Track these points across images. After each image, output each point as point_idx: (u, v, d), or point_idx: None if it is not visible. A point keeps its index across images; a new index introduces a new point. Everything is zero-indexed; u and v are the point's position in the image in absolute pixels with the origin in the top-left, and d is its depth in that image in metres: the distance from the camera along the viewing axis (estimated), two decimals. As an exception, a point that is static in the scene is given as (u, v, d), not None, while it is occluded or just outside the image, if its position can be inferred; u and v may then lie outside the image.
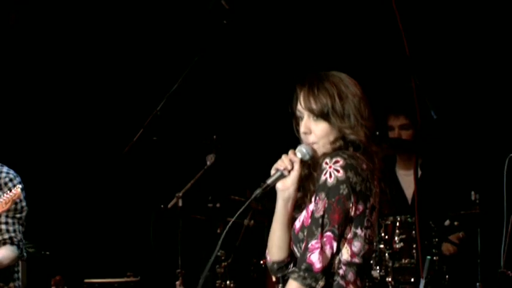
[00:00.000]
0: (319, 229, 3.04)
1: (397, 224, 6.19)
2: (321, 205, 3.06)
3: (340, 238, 3.07)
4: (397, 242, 6.15)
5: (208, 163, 6.19)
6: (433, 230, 6.18)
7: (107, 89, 7.75)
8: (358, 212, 3.08)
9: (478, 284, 5.91)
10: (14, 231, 5.25)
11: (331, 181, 3.06)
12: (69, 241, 7.57)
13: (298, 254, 3.21)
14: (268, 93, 7.04)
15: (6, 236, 5.23)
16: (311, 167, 3.24)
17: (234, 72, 7.44)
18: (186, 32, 7.33)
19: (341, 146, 3.18)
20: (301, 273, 3.04)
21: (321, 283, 3.05)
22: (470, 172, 6.62)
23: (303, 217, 3.19)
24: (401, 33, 5.25)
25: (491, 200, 5.96)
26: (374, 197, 3.12)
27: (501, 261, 5.54)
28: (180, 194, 6.14)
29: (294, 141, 3.37)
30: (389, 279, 6.08)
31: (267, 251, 3.35)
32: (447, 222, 6.25)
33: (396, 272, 6.11)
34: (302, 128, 3.24)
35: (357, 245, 3.11)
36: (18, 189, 5.01)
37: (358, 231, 3.09)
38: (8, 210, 5.13)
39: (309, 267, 3.03)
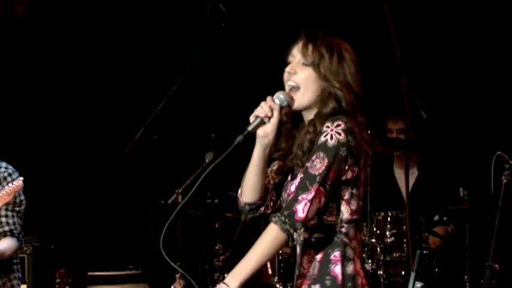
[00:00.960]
0: (314, 185, 3.03)
1: (389, 219, 6.24)
2: (319, 164, 3.05)
3: (330, 195, 3.08)
4: (388, 236, 6.21)
5: (206, 160, 6.19)
6: (423, 225, 6.22)
7: (110, 90, 7.77)
8: (354, 174, 3.12)
9: (466, 277, 5.95)
10: (14, 223, 5.21)
11: (332, 142, 3.06)
12: (74, 236, 7.61)
13: None
14: (264, 93, 7.10)
15: (6, 228, 5.19)
16: (289, 121, 3.27)
17: (231, 73, 7.46)
18: (185, 34, 7.33)
19: (335, 108, 3.17)
20: (282, 217, 3.01)
21: (299, 233, 3.02)
22: (459, 169, 6.65)
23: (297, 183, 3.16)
24: (392, 34, 5.33)
25: (479, 196, 5.98)
26: (364, 157, 3.16)
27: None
28: (180, 190, 6.18)
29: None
30: (381, 272, 6.14)
31: (239, 192, 3.34)
32: (436, 218, 6.28)
33: (387, 265, 6.17)
34: (288, 68, 3.25)
35: (354, 204, 3.15)
36: (20, 181, 4.91)
37: (354, 191, 3.13)
38: (8, 204, 5.06)
39: (291, 214, 3.00)
